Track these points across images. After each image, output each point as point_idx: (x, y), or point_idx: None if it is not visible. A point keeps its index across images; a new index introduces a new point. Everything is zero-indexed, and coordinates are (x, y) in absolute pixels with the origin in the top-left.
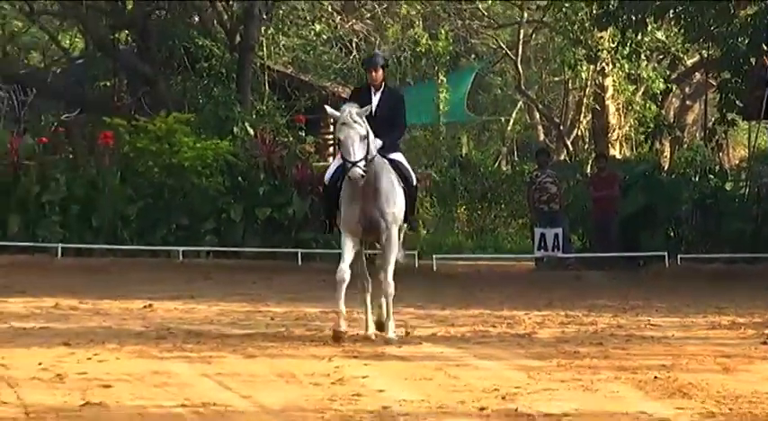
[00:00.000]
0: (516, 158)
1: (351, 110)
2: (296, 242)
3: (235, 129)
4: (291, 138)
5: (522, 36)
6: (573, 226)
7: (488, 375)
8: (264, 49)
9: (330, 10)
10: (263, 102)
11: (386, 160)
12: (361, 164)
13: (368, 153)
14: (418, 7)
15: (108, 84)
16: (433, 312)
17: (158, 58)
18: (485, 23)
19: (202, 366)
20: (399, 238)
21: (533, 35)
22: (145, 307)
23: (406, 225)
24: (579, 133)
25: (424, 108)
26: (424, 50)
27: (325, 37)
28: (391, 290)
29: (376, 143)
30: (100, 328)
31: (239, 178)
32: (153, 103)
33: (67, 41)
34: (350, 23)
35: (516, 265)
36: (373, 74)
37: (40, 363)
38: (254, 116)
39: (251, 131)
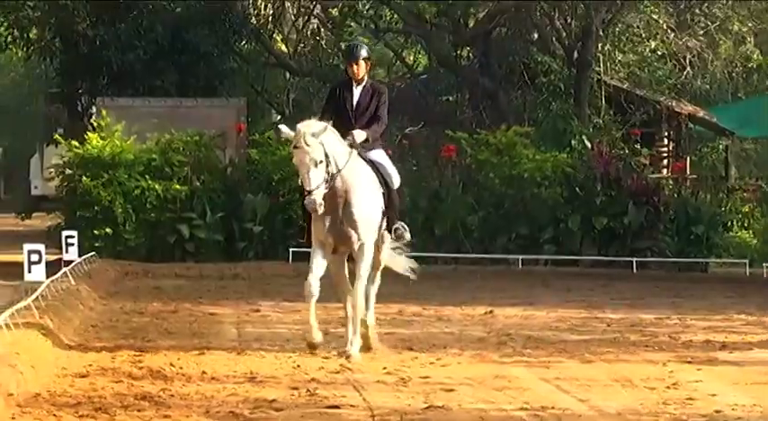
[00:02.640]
0: None
1: (305, 131)
2: (631, 251)
3: (573, 142)
4: (627, 151)
5: None
6: None
7: None
8: (601, 64)
9: (665, 27)
10: (599, 115)
11: (363, 163)
12: (319, 191)
13: (329, 173)
14: (750, 24)
15: (450, 98)
16: (765, 319)
17: (499, 73)
18: None
19: (541, 370)
20: (382, 249)
21: None
22: (486, 313)
23: (389, 233)
24: None
25: (756, 122)
26: (755, 66)
27: (659, 53)
28: (361, 303)
29: (359, 136)
30: (442, 334)
31: (577, 189)
32: (493, 116)
33: (411, 58)
34: (683, 40)
35: None
36: (354, 67)
37: (384, 368)
38: (591, 129)
39: (588, 144)
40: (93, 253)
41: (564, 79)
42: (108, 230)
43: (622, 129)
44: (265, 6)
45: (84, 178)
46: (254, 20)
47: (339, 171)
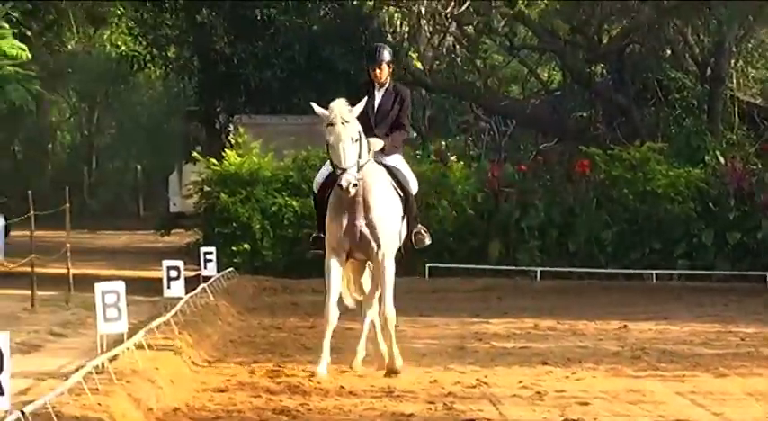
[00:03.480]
0: None
1: (340, 108)
2: (764, 265)
3: (706, 158)
4: (760, 166)
5: None
6: None
7: None
8: (734, 80)
9: None
10: (732, 131)
11: (381, 166)
12: (353, 171)
13: (360, 157)
14: None
15: (584, 114)
16: None
17: (632, 89)
18: None
19: (675, 384)
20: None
21: None
22: (620, 327)
23: (401, 246)
24: None
25: None
26: None
27: None
28: (392, 316)
29: (375, 145)
30: (577, 348)
31: (710, 204)
32: (627, 132)
33: (546, 74)
34: None
35: None
36: (377, 71)
37: (520, 381)
38: (724, 145)
39: (722, 160)
40: (231, 269)
41: (697, 95)
42: (246, 246)
43: (756, 144)
44: (401, 24)
45: (222, 195)
46: (390, 37)
47: (360, 167)
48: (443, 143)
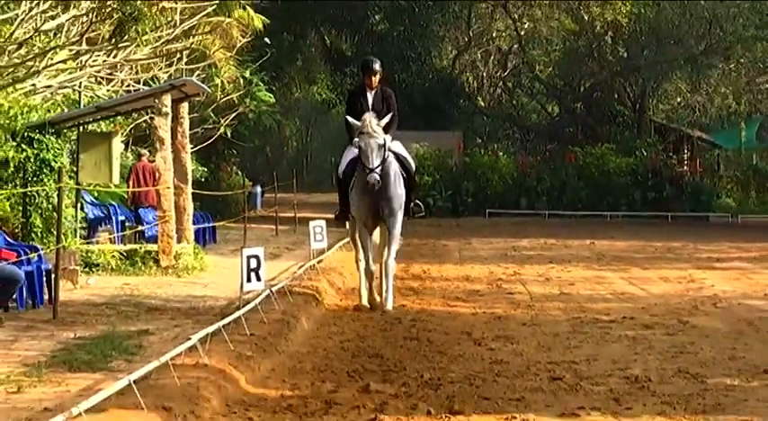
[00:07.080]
0: None
1: (371, 120)
2: (666, 210)
3: (636, 153)
4: (665, 157)
5: None
6: None
7: None
8: (651, 111)
9: (684, 89)
10: (650, 137)
11: (393, 154)
12: (378, 169)
13: (384, 160)
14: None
15: (571, 129)
16: None
17: (597, 116)
18: None
19: (621, 273)
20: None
21: None
22: (590, 243)
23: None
24: None
25: (733, 141)
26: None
27: (682, 104)
28: (393, 268)
29: (389, 139)
30: (567, 254)
31: (638, 177)
32: (594, 139)
33: (550, 108)
34: (699, 97)
35: None
36: (372, 78)
37: (539, 273)
38: (645, 146)
39: (645, 153)
40: None
41: (631, 119)
42: None
43: (662, 145)
44: (473, 81)
45: None
46: (467, 89)
47: (384, 160)
48: (495, 145)
